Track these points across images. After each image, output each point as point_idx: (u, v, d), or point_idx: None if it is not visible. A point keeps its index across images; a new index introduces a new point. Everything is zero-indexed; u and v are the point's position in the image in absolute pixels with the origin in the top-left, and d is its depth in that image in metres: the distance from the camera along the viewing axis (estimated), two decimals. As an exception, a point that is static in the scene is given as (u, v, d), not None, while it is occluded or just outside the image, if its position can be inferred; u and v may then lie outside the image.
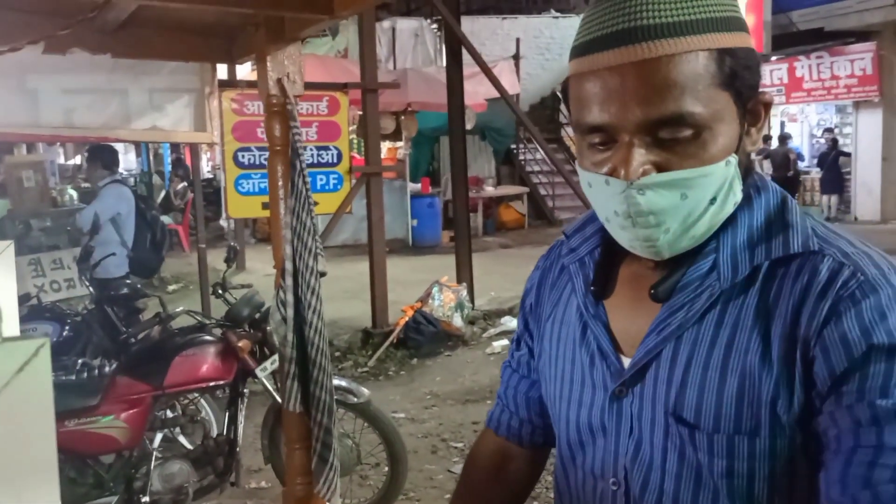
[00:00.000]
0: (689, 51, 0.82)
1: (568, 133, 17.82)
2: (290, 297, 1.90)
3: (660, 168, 0.84)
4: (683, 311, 0.90)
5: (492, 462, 1.22)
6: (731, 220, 0.90)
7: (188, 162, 16.51)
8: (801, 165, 16.11)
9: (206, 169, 17.09)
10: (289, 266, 1.91)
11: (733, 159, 0.87)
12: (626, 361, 0.96)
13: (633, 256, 0.96)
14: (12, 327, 1.05)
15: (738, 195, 0.89)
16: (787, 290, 0.86)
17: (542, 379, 1.10)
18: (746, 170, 0.92)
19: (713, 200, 0.86)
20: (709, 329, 0.89)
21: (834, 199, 15.36)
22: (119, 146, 11.74)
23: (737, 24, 0.86)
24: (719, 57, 0.83)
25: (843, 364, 0.80)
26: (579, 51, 0.88)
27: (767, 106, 0.91)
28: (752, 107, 0.89)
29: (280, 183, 2.00)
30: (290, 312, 1.90)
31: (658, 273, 0.94)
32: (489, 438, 1.24)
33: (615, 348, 0.97)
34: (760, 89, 0.90)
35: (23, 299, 5.16)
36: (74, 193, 12.98)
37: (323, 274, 1.92)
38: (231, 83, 6.44)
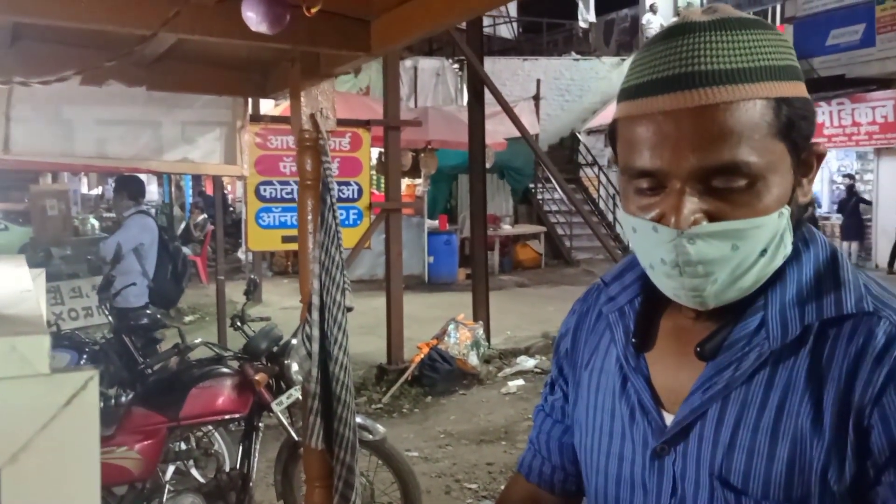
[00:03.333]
0: (746, 98, 0.79)
1: (586, 174, 17.89)
2: (315, 332, 1.88)
3: (711, 217, 0.82)
4: (731, 369, 0.87)
5: None
6: (779, 276, 0.87)
7: (210, 193, 16.68)
8: (821, 211, 16.02)
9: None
10: (316, 300, 1.90)
11: (786, 211, 0.84)
12: (668, 418, 0.92)
13: (675, 308, 0.94)
14: (42, 357, 1.03)
15: (788, 248, 0.87)
16: (840, 354, 0.83)
17: (577, 427, 1.07)
18: (797, 222, 0.89)
19: (763, 252, 0.84)
20: (758, 390, 0.86)
21: (854, 245, 15.23)
22: (143, 177, 11.88)
23: (794, 73, 0.84)
24: (777, 106, 0.81)
25: None
26: (631, 93, 0.85)
27: (821, 157, 0.89)
28: (805, 157, 0.87)
29: (309, 217, 2.00)
30: (316, 347, 1.88)
31: (701, 327, 0.91)
32: (520, 484, 1.20)
33: (656, 404, 0.94)
34: (814, 140, 0.87)
35: (42, 326, 5.17)
36: (96, 223, 13.13)
37: (350, 309, 1.91)
38: (255, 118, 6.52)
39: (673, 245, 0.82)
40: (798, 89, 0.84)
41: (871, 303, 0.85)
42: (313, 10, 1.29)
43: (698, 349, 0.89)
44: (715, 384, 0.88)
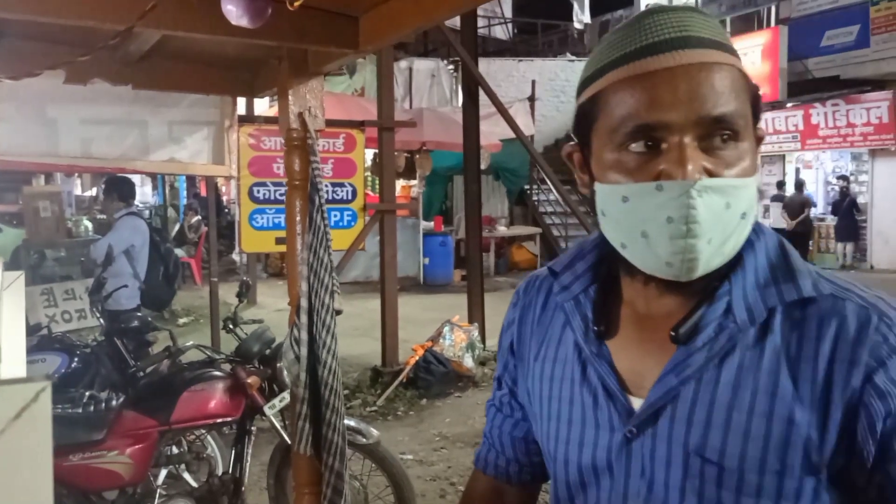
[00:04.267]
0: (730, 64, 0.87)
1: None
2: (304, 336, 1.85)
3: (709, 174, 0.85)
4: (703, 352, 0.90)
5: (486, 502, 1.21)
6: (738, 262, 0.91)
7: (203, 194, 16.63)
8: (816, 212, 16.04)
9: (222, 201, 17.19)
10: (304, 303, 1.86)
11: (757, 178, 0.90)
12: (635, 402, 0.94)
13: (633, 296, 0.97)
14: (18, 362, 0.99)
15: (754, 217, 0.91)
16: (811, 334, 0.87)
17: (534, 419, 1.09)
18: None
19: (743, 215, 0.87)
20: (731, 371, 0.89)
21: (849, 247, 15.26)
22: (135, 179, 11.84)
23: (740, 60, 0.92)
24: (747, 78, 0.89)
25: None
26: (622, 60, 0.88)
27: (760, 140, 0.94)
28: (756, 135, 0.92)
29: (297, 218, 1.96)
30: (304, 351, 1.85)
31: (664, 314, 0.93)
32: (480, 479, 1.23)
33: (622, 388, 0.96)
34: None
35: (33, 329, 5.13)
36: (90, 224, 13.07)
37: (339, 312, 1.87)
38: (249, 118, 6.48)
39: (683, 199, 0.83)
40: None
41: (826, 286, 0.90)
42: (296, 4, 1.26)
43: (673, 333, 0.91)
44: (688, 366, 0.90)
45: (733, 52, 0.88)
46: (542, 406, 1.05)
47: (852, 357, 0.84)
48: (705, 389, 0.89)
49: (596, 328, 0.99)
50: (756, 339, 0.89)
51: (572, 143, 0.99)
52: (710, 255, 0.86)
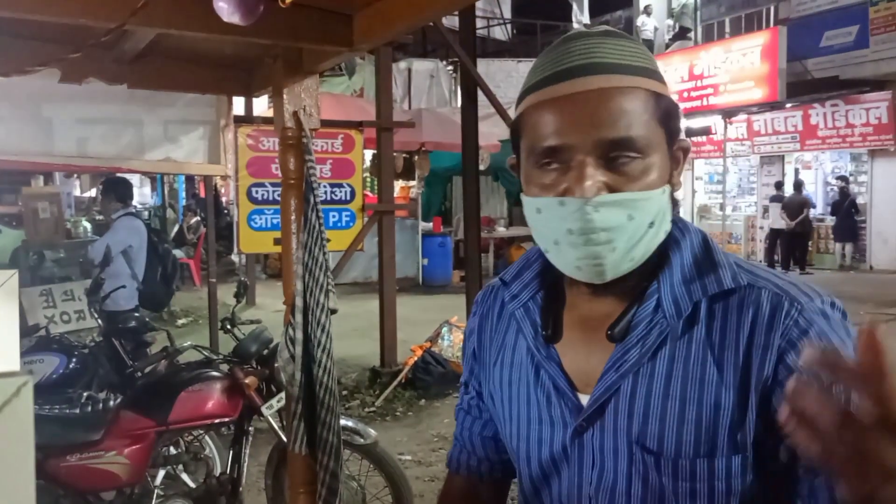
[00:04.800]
0: (634, 87, 0.93)
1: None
2: (299, 335, 1.84)
3: (610, 189, 0.92)
4: (637, 348, 0.97)
5: (464, 501, 1.27)
6: (665, 262, 0.99)
7: (202, 195, 16.63)
8: (815, 213, 16.03)
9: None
10: (299, 302, 1.86)
11: (668, 189, 0.97)
12: (584, 398, 1.01)
13: (575, 299, 1.05)
14: (12, 360, 0.98)
15: (668, 224, 0.98)
16: (732, 323, 0.95)
17: (498, 421, 1.16)
18: (671, 209, 1.01)
19: (651, 224, 0.94)
20: (663, 364, 0.96)
21: (849, 247, 15.25)
22: (135, 180, 11.83)
23: (661, 78, 0.99)
24: (656, 98, 0.95)
25: None
26: (537, 86, 0.97)
27: (686, 151, 1.01)
28: (675, 151, 0.99)
29: (293, 217, 1.96)
30: (299, 350, 1.84)
31: (603, 314, 1.01)
32: (455, 480, 1.28)
33: (571, 387, 1.03)
34: (680, 137, 1.01)
35: (32, 330, 5.13)
36: (89, 225, 13.07)
37: (334, 311, 1.87)
38: (247, 119, 6.48)
39: (579, 214, 0.91)
40: (666, 90, 0.98)
41: (745, 277, 0.97)
42: (288, 1, 1.26)
43: (609, 332, 0.99)
44: (625, 362, 0.98)
45: (646, 74, 0.95)
46: (504, 408, 1.12)
47: (766, 342, 0.92)
48: (642, 383, 0.97)
49: (544, 333, 1.06)
50: (683, 332, 0.97)
51: (513, 155, 1.07)
52: (617, 261, 0.94)
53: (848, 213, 14.97)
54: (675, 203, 1.01)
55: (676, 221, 1.02)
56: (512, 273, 1.15)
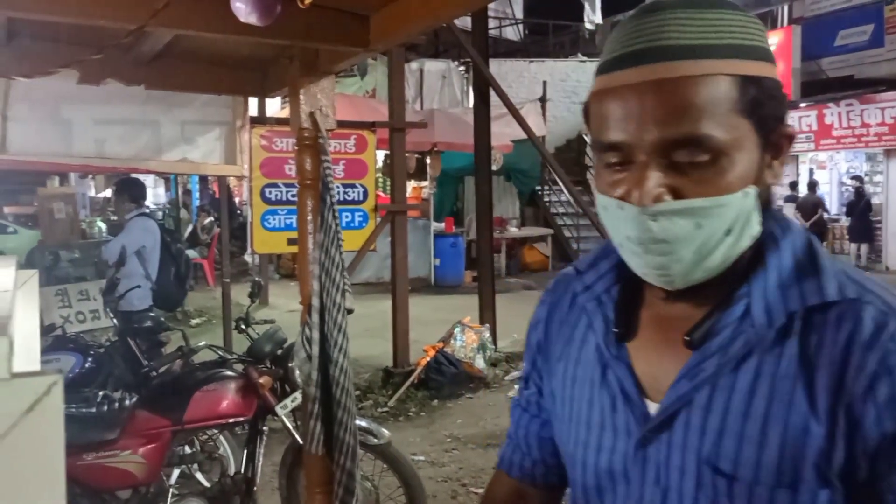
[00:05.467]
0: (709, 74, 0.81)
1: (593, 176, 17.82)
2: (315, 335, 1.85)
3: (675, 193, 0.82)
4: (718, 357, 0.87)
5: None
6: (760, 262, 0.87)
7: (217, 196, 16.69)
8: (830, 214, 15.92)
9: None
10: (315, 302, 1.86)
11: (752, 191, 0.84)
12: (652, 406, 0.92)
13: (654, 296, 0.94)
14: (32, 360, 1.00)
15: (755, 229, 0.86)
16: (828, 340, 0.83)
17: (555, 420, 1.07)
18: (767, 204, 0.89)
19: (728, 232, 0.83)
20: (747, 377, 0.86)
21: (864, 248, 15.13)
22: (149, 181, 11.89)
23: (762, 54, 0.84)
24: (742, 84, 0.82)
25: None
26: (602, 69, 0.87)
27: (790, 139, 0.89)
28: (774, 139, 0.87)
29: (309, 217, 1.96)
30: (316, 350, 1.85)
31: (684, 315, 0.91)
32: (503, 480, 1.19)
33: (640, 392, 0.94)
34: (784, 122, 0.87)
35: (48, 330, 5.17)
36: (103, 226, 13.17)
37: (350, 311, 1.87)
38: (261, 120, 6.50)
39: (637, 222, 0.83)
40: (766, 69, 0.84)
41: (853, 289, 0.85)
42: (307, 2, 1.26)
43: (687, 338, 0.89)
44: (702, 371, 0.87)
45: (733, 54, 0.81)
46: (564, 407, 1.04)
47: (861, 362, 0.80)
48: (719, 396, 0.86)
49: (616, 330, 0.97)
50: (774, 344, 0.85)
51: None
52: (685, 270, 0.84)
53: (863, 214, 14.85)
54: (769, 200, 0.90)
55: (777, 218, 0.91)
56: (587, 262, 1.05)
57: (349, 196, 6.51)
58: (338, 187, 6.37)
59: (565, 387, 1.04)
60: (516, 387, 6.96)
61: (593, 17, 19.39)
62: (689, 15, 0.82)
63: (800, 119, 15.61)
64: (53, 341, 4.84)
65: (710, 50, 0.81)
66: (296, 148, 2.02)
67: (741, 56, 0.82)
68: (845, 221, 15.57)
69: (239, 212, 16.70)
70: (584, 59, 19.59)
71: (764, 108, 0.83)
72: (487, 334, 7.53)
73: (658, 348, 0.93)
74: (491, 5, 17.68)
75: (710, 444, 0.86)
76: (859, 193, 14.99)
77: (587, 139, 18.32)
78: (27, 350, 1.07)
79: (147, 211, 6.05)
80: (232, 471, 3.90)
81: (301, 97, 1.92)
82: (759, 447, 0.83)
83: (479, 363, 7.15)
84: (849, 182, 16.23)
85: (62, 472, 0.51)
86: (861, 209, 14.83)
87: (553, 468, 1.13)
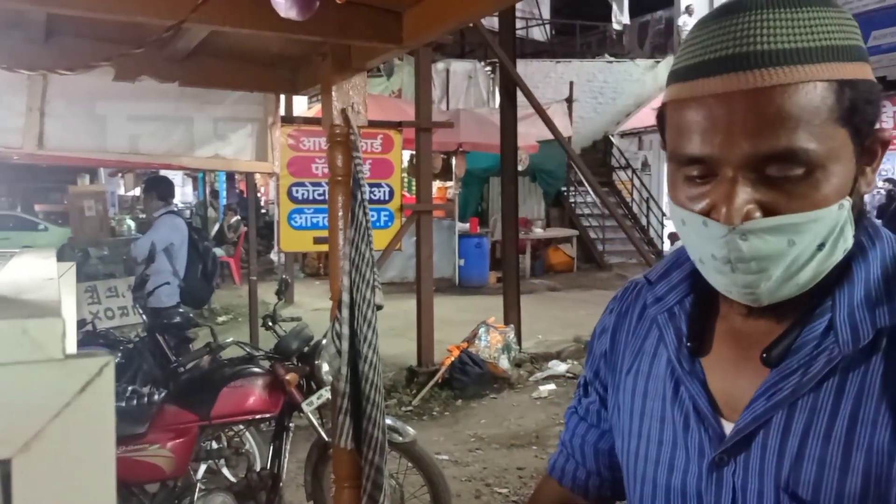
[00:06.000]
0: (806, 81, 0.74)
1: (619, 177, 17.73)
2: (345, 330, 1.85)
3: (765, 209, 0.76)
4: (797, 375, 0.81)
5: None
6: (846, 274, 0.82)
7: (245, 195, 16.85)
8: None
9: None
10: (345, 297, 1.87)
11: (847, 203, 0.78)
12: (727, 426, 0.87)
13: (730, 309, 0.89)
14: (71, 347, 1.01)
15: (849, 242, 0.81)
16: None
17: (620, 434, 1.01)
18: (859, 213, 0.83)
19: (821, 246, 0.78)
20: (829, 398, 0.80)
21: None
22: (177, 179, 12.03)
23: (858, 54, 0.78)
24: (839, 89, 0.75)
25: None
26: (681, 75, 0.80)
27: (885, 144, 0.82)
28: (869, 145, 0.81)
29: (340, 214, 1.97)
30: (345, 346, 1.86)
31: (763, 330, 0.85)
32: (552, 487, 1.15)
33: (714, 410, 0.88)
34: (878, 126, 0.81)
35: (79, 325, 5.24)
36: (132, 223, 13.35)
37: (380, 307, 1.88)
38: (289, 119, 6.54)
39: (724, 241, 0.77)
40: (863, 71, 0.78)
41: None
42: (343, -2, 1.28)
43: (764, 355, 0.83)
44: (780, 390, 0.82)
45: (828, 56, 0.75)
46: (633, 422, 0.98)
47: None
48: (799, 417, 0.81)
49: (689, 344, 0.91)
50: (859, 363, 0.79)
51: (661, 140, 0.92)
52: (774, 287, 0.79)
53: (894, 217, 14.59)
54: (862, 210, 0.83)
55: (866, 226, 0.85)
56: (658, 272, 1.00)
57: (375, 195, 6.53)
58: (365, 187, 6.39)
59: (635, 401, 0.98)
60: (541, 388, 6.98)
61: (621, 17, 19.30)
62: (780, 15, 0.75)
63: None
64: (84, 336, 4.91)
65: (805, 54, 0.74)
66: (327, 145, 2.03)
67: (838, 58, 0.75)
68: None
69: (264, 210, 16.83)
70: (611, 59, 19.50)
71: (861, 115, 0.77)
72: (512, 335, 7.52)
73: (734, 364, 0.88)
74: (518, 5, 17.66)
75: (788, 468, 0.81)
76: (891, 197, 14.73)
77: (613, 140, 18.23)
78: (68, 335, 1.09)
79: (175, 209, 6.12)
80: (258, 467, 3.92)
81: (333, 94, 1.93)
82: (841, 473, 0.78)
83: (504, 364, 7.14)
84: (880, 185, 15.96)
85: (113, 452, 0.52)
86: (892, 212, 14.57)
87: (607, 482, 1.09)
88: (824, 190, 0.76)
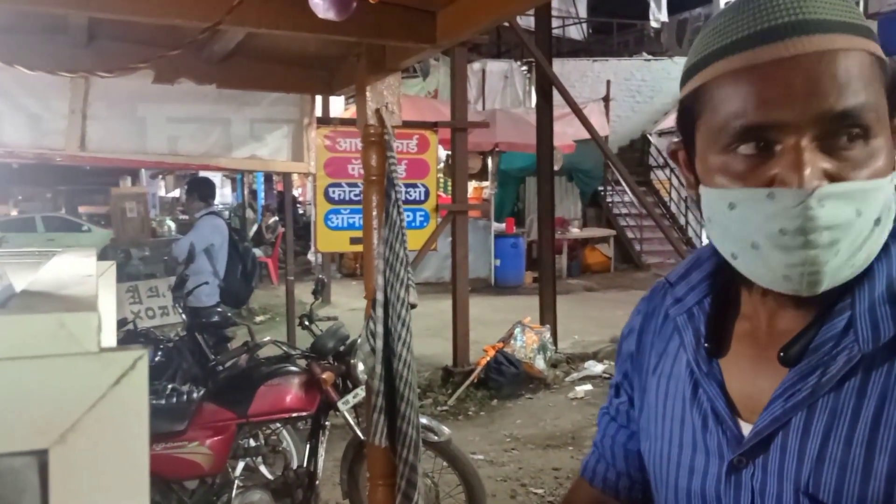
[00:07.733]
0: (859, 49, 0.76)
1: (657, 176, 17.53)
2: (379, 329, 1.86)
3: (831, 178, 0.75)
4: (817, 375, 0.79)
5: None
6: (866, 271, 0.79)
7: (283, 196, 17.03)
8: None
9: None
10: (380, 296, 1.88)
11: (894, 177, 0.78)
12: (746, 427, 0.85)
13: (749, 310, 0.88)
14: (106, 341, 1.02)
15: (891, 222, 0.79)
16: None
17: (645, 435, 1.01)
18: None
19: (878, 221, 0.77)
20: (850, 398, 0.78)
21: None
22: (216, 180, 12.22)
23: (876, 38, 0.80)
24: (881, 63, 0.77)
25: None
26: (728, 50, 0.79)
27: None
28: (894, 126, 0.81)
29: (374, 213, 1.98)
30: (380, 344, 1.87)
31: (780, 330, 0.84)
32: (584, 489, 1.15)
33: (732, 412, 0.87)
34: None
35: (120, 324, 5.35)
36: (172, 224, 13.58)
37: (413, 306, 1.88)
38: (325, 120, 6.60)
39: (799, 210, 0.74)
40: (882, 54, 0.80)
41: None
42: (376, -2, 1.28)
43: (782, 354, 0.81)
44: (799, 391, 0.80)
45: (865, 34, 0.77)
46: (656, 424, 0.98)
47: None
48: (819, 418, 0.79)
49: (706, 345, 0.90)
50: (881, 361, 0.77)
51: (677, 140, 0.90)
52: (837, 267, 0.76)
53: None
54: None
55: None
56: (678, 273, 0.99)
57: (410, 196, 6.55)
58: (400, 186, 6.41)
59: (658, 403, 0.98)
60: (577, 388, 6.93)
61: (658, 14, 19.07)
62: None
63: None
64: (125, 336, 5.00)
65: (851, 27, 0.76)
66: (361, 145, 2.04)
67: (871, 37, 0.78)
68: None
69: (302, 212, 17.00)
70: (649, 57, 19.29)
71: (894, 92, 0.79)
72: (548, 335, 7.48)
73: (752, 365, 0.87)
74: (554, 4, 17.58)
75: (808, 471, 0.79)
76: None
77: (651, 139, 18.04)
78: (106, 335, 1.12)
79: (216, 210, 6.21)
80: (295, 464, 3.96)
81: (368, 94, 1.95)
82: (863, 476, 0.76)
83: (539, 364, 7.11)
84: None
85: (146, 445, 0.53)
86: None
87: (637, 483, 1.08)
88: (881, 159, 0.77)
